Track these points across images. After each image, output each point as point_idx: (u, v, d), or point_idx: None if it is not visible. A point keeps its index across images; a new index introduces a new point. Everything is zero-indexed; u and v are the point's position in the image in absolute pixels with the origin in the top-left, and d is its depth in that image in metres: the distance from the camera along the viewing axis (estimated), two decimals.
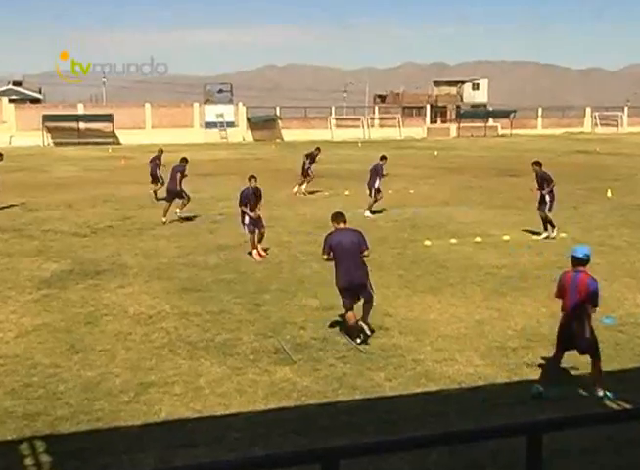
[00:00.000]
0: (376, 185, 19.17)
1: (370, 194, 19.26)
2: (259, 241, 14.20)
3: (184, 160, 19.05)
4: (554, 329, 9.63)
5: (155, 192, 22.18)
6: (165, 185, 19.82)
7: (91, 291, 11.66)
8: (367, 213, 18.80)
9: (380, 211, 19.34)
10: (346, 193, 23.58)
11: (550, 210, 15.79)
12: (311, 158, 24.06)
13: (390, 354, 8.69)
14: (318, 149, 24.62)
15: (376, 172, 19.30)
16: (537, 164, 16.11)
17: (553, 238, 15.60)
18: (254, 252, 14.04)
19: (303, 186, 23.81)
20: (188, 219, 18.41)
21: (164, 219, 17.94)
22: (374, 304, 9.37)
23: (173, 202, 18.33)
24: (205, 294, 11.46)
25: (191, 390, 7.71)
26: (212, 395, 7.59)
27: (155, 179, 22.39)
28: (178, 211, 18.26)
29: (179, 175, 18.40)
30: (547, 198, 15.77)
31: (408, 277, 12.48)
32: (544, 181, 15.87)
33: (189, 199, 18.69)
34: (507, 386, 7.84)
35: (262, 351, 8.84)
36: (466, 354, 8.70)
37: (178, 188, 18.33)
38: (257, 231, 14.11)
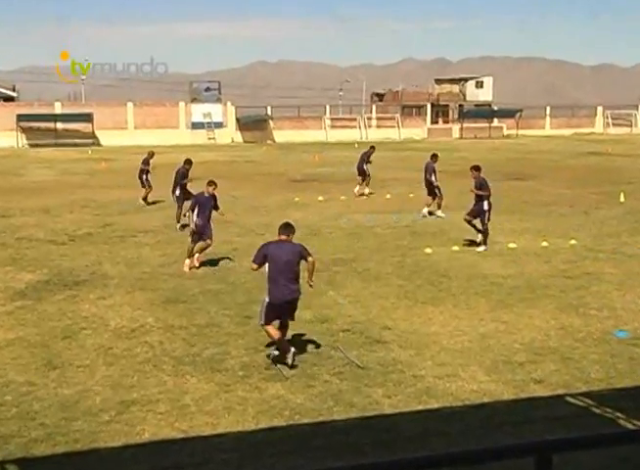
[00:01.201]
0: (436, 182, 20.03)
1: (435, 193, 20.12)
2: (200, 251, 14.01)
3: (187, 162, 19.15)
4: (563, 342, 9.69)
5: (144, 198, 22.13)
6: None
7: (69, 303, 11.63)
8: (439, 213, 19.77)
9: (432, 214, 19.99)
10: (342, 198, 23.61)
11: (488, 219, 15.50)
12: (367, 156, 24.35)
13: (389, 370, 8.69)
14: (373, 147, 25.11)
15: (431, 170, 20.21)
16: (476, 168, 15.85)
17: (485, 249, 15.28)
18: (187, 261, 13.82)
19: (366, 189, 24.09)
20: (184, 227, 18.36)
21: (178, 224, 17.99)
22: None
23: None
24: (191, 305, 11.45)
25: (176, 408, 7.69)
26: (199, 413, 7.57)
27: (142, 184, 22.33)
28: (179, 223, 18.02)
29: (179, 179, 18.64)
30: (485, 206, 15.46)
31: (408, 287, 12.49)
32: (482, 188, 15.59)
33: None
34: (513, 403, 7.85)
35: (252, 366, 8.83)
36: (470, 370, 8.70)
37: (176, 193, 18.41)
38: (201, 241, 13.96)
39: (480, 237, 15.56)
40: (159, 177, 22.39)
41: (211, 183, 14.26)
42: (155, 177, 22.58)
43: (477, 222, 15.70)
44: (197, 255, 13.97)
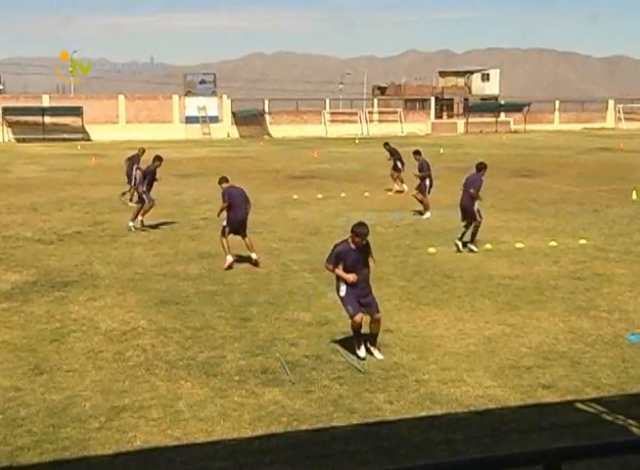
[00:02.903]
0: (475, 207, 15.55)
1: (473, 218, 15.60)
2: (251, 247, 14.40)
3: (157, 159, 18.85)
4: (572, 346, 9.69)
5: (125, 193, 22.13)
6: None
7: (58, 304, 11.63)
8: (474, 247, 15.55)
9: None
10: (342, 195, 23.63)
11: (429, 192, 19.89)
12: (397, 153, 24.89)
13: (392, 374, 8.69)
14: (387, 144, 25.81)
15: (475, 185, 15.63)
16: (418, 152, 20.54)
17: (428, 218, 19.20)
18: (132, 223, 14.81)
19: (403, 185, 24.30)
20: (155, 227, 18.29)
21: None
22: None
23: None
24: (185, 307, 11.45)
25: (169, 414, 7.69)
26: (193, 420, 7.57)
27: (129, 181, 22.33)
28: (137, 219, 18.10)
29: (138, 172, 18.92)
30: (427, 182, 19.81)
31: (411, 289, 12.50)
32: (424, 168, 19.87)
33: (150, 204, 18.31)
34: (521, 410, 7.85)
35: (249, 370, 8.83)
36: (475, 374, 8.71)
37: (140, 189, 18.43)
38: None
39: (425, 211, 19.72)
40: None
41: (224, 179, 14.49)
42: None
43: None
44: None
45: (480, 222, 15.52)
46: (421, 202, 19.97)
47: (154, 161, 18.37)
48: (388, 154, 25.10)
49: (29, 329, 10.41)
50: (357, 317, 9.08)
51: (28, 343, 9.84)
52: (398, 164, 24.56)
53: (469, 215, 15.51)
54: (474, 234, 15.51)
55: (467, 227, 15.53)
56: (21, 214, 20.44)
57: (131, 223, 17.84)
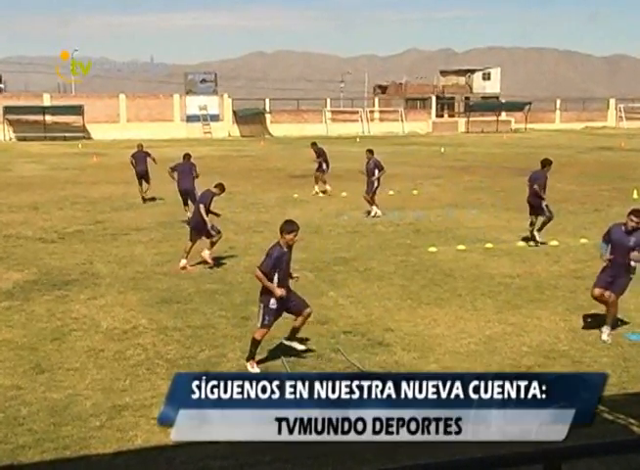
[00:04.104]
0: (543, 203, 15.73)
1: (540, 214, 15.87)
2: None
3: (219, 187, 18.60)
4: (573, 345, 9.69)
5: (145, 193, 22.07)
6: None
7: (59, 303, 11.64)
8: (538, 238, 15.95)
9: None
10: (343, 194, 23.61)
11: (374, 192, 19.65)
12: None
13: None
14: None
15: (539, 182, 15.76)
16: (370, 151, 20.03)
17: (374, 216, 19.32)
18: (183, 261, 13.83)
19: (326, 185, 24.18)
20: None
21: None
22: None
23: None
24: (186, 306, 11.45)
25: None
26: None
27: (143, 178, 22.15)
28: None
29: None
30: (375, 183, 19.68)
31: (411, 287, 12.50)
32: (376, 168, 19.60)
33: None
34: None
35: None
36: None
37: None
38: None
39: (372, 208, 19.70)
40: (155, 173, 22.36)
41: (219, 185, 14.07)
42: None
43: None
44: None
45: (549, 217, 15.80)
46: (369, 201, 19.80)
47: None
48: (314, 154, 24.54)
49: (30, 328, 10.42)
50: (265, 330, 8.79)
51: (29, 341, 9.84)
52: (324, 165, 24.28)
53: (536, 211, 15.83)
54: (542, 226, 15.84)
55: (533, 223, 15.90)
56: (21, 213, 20.45)
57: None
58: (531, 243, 15.81)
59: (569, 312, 11.05)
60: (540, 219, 15.86)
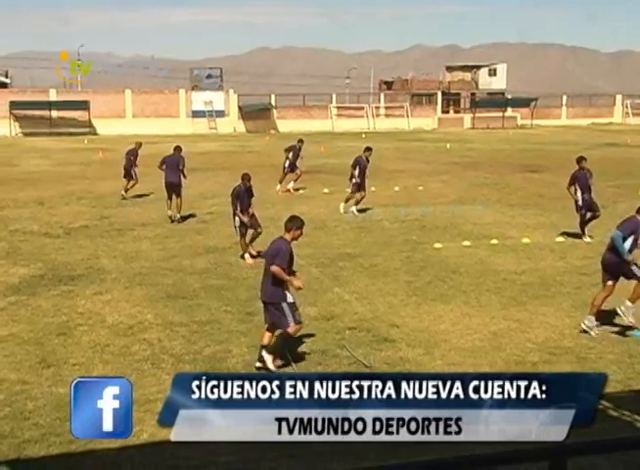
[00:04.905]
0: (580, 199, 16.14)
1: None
2: (251, 241, 14.28)
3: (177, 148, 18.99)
4: (578, 342, 9.67)
5: (126, 190, 22.11)
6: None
7: (64, 298, 11.66)
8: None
9: None
10: (348, 190, 23.56)
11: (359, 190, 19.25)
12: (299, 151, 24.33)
13: (397, 369, 8.67)
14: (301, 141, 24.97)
15: (583, 182, 16.18)
16: (368, 149, 19.68)
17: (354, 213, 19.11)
18: (246, 255, 14.11)
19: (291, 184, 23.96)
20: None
21: (170, 213, 18.30)
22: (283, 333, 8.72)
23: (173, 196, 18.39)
24: (191, 301, 11.46)
25: None
26: None
27: (128, 175, 22.30)
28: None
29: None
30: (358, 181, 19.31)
31: (417, 284, 12.49)
32: (360, 167, 19.24)
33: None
34: None
35: (254, 365, 8.83)
36: (481, 370, 8.69)
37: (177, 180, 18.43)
38: (249, 232, 14.29)
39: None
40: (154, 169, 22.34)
41: (246, 175, 14.45)
42: (148, 169, 22.51)
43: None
44: (251, 248, 14.32)
45: (593, 214, 16.14)
46: (356, 200, 19.58)
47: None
48: (290, 153, 24.19)
49: (36, 323, 10.44)
50: (300, 326, 8.74)
51: (35, 336, 9.87)
52: (297, 163, 24.16)
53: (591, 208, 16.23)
54: (587, 221, 16.20)
55: (587, 219, 16.20)
56: (28, 208, 20.48)
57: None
58: (587, 239, 15.94)
59: (574, 309, 11.03)
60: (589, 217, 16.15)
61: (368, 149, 19.84)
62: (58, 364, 8.87)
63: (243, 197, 14.24)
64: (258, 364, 8.64)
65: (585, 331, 9.79)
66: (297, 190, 23.99)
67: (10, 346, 9.52)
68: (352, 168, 19.61)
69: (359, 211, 19.41)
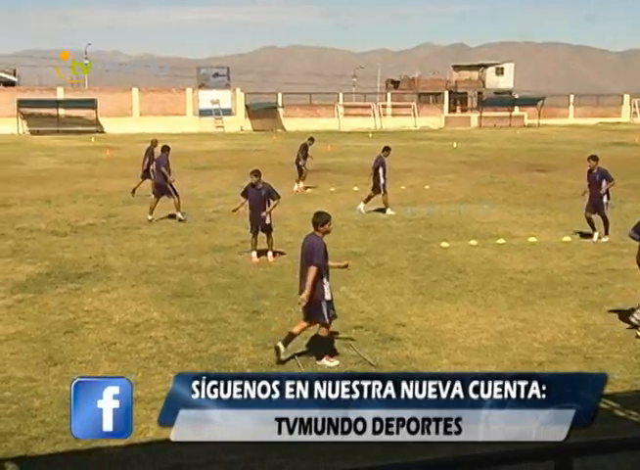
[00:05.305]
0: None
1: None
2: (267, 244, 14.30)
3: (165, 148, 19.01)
4: (585, 341, 9.65)
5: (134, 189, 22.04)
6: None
7: (71, 296, 11.68)
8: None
9: None
10: (355, 189, 23.57)
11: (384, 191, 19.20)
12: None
13: (403, 368, 8.67)
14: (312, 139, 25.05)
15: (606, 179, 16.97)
16: (387, 148, 19.62)
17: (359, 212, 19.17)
18: (253, 254, 14.11)
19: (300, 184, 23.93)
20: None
21: (150, 217, 18.09)
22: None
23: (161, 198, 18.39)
24: (197, 300, 11.48)
25: None
26: None
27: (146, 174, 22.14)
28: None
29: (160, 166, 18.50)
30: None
31: (423, 283, 12.48)
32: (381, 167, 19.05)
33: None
34: None
35: (260, 363, 8.84)
36: (487, 369, 8.67)
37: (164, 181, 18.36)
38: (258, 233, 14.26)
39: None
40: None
41: (253, 173, 14.70)
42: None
43: None
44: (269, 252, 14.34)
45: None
46: (384, 201, 19.55)
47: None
48: (302, 149, 24.32)
49: (43, 320, 10.47)
50: (330, 325, 8.90)
51: (42, 334, 9.89)
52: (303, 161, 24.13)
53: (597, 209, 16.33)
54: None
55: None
56: (34, 206, 20.53)
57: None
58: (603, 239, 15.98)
59: (581, 308, 11.00)
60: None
61: (387, 148, 19.76)
62: (64, 362, 8.89)
63: (250, 194, 14.32)
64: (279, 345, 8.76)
65: (636, 326, 9.75)
66: (306, 188, 23.99)
67: (17, 343, 9.55)
68: (375, 169, 19.43)
69: (378, 210, 19.46)
